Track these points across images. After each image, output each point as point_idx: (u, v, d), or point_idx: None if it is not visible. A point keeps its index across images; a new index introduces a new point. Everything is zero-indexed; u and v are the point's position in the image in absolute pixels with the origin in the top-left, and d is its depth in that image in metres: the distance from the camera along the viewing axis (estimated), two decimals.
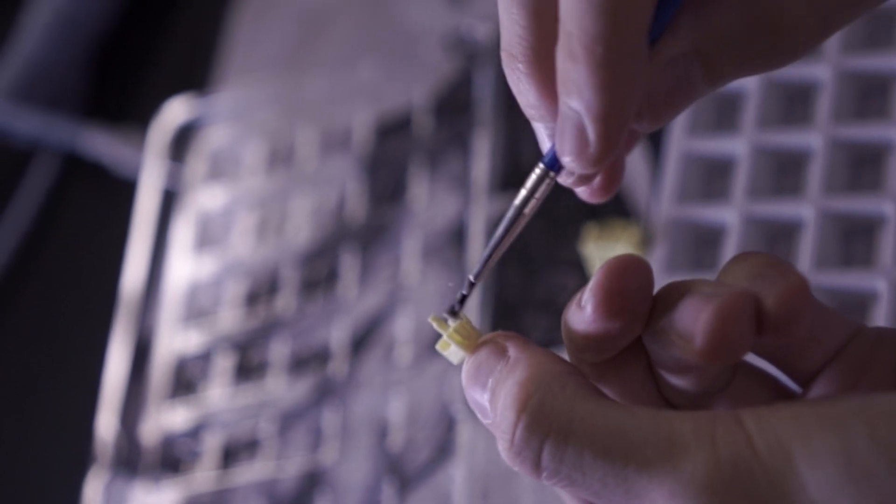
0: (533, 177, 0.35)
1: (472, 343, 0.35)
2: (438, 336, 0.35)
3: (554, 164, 0.34)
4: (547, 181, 0.35)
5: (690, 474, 0.30)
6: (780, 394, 0.36)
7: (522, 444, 0.32)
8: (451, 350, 0.35)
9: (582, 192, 0.37)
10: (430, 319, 0.36)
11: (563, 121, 0.32)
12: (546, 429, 0.32)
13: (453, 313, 0.36)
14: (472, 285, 0.36)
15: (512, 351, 0.34)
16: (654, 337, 0.34)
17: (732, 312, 0.32)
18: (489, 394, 0.34)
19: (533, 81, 0.34)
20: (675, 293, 0.33)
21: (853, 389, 0.34)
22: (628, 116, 0.32)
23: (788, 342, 0.34)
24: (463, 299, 0.36)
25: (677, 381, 0.35)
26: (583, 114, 0.32)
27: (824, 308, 0.35)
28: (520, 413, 0.32)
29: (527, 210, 0.35)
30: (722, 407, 0.36)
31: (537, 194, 0.35)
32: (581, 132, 0.32)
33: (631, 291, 0.33)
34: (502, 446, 0.32)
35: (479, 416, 0.34)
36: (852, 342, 0.35)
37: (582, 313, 0.33)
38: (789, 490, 0.30)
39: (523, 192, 0.35)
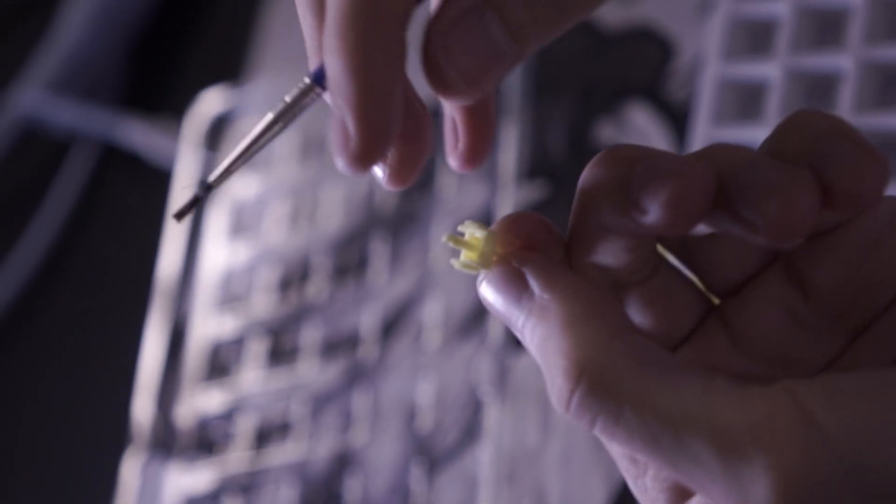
0: (296, 90, 0.33)
1: (489, 259, 0.33)
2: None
3: (320, 80, 0.33)
4: (311, 96, 0.33)
5: (750, 483, 0.28)
6: (699, 296, 0.34)
7: (576, 415, 0.30)
8: (467, 265, 0.34)
9: (380, 178, 0.34)
10: (444, 239, 0.34)
11: (332, 119, 0.31)
12: (597, 409, 0.30)
13: (180, 214, 0.34)
14: (208, 188, 0.34)
15: (537, 288, 0.32)
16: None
17: (797, 195, 0.30)
18: (528, 335, 0.32)
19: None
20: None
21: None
22: (389, 105, 0.30)
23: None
24: (196, 201, 0.34)
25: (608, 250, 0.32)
26: (342, 107, 0.30)
27: None
28: (572, 388, 0.30)
29: (282, 122, 0.34)
30: (710, 252, 0.33)
31: (295, 108, 0.33)
32: (343, 127, 0.31)
33: (699, 214, 0.31)
34: (556, 404, 0.31)
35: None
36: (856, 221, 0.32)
37: (637, 213, 0.31)
38: (876, 487, 0.27)
39: (283, 104, 0.33)
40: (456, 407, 0.59)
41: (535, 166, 0.63)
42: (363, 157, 0.31)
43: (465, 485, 0.57)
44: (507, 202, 0.63)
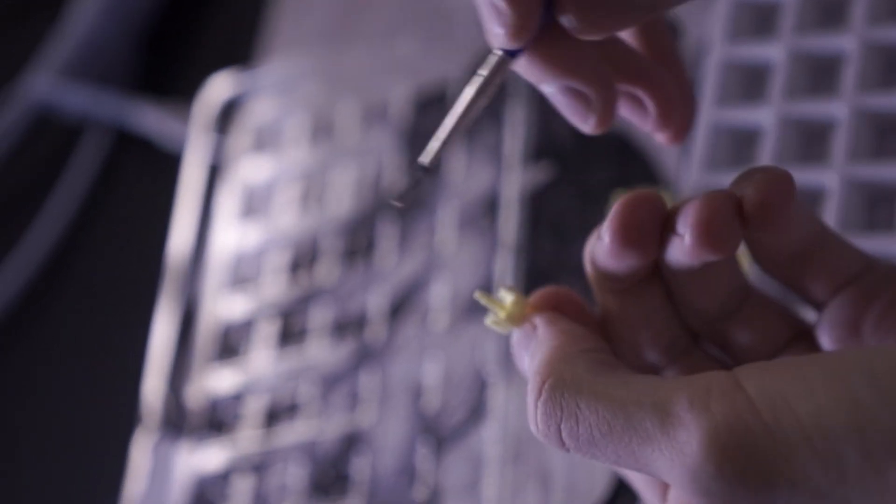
0: (490, 63, 0.36)
1: (515, 319, 0.38)
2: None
3: (513, 50, 0.36)
4: (502, 66, 0.36)
5: (685, 443, 0.31)
6: (791, 323, 0.38)
7: (544, 428, 0.34)
8: (496, 322, 0.38)
9: (580, 119, 0.39)
10: (476, 296, 0.38)
11: (482, 5, 0.35)
12: (558, 412, 0.34)
13: (402, 198, 0.37)
14: (425, 170, 0.36)
15: (539, 330, 0.37)
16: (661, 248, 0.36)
17: (713, 203, 0.34)
18: (528, 370, 0.37)
19: None
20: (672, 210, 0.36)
21: (861, 319, 0.36)
22: None
23: (774, 237, 0.36)
24: (416, 184, 0.36)
25: (689, 295, 0.37)
26: None
27: (838, 238, 0.37)
28: (535, 400, 0.34)
29: (482, 96, 0.37)
30: (739, 333, 0.38)
31: (495, 79, 0.37)
32: (493, 5, 0.35)
33: (644, 220, 0.36)
34: (531, 427, 0.35)
35: None
36: (867, 273, 0.36)
37: (601, 244, 0.36)
38: (794, 447, 0.30)
39: (480, 77, 0.37)
40: (462, 387, 0.60)
41: (541, 148, 0.63)
42: (518, 32, 0.34)
43: (470, 464, 0.58)
44: (513, 184, 0.63)
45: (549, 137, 0.63)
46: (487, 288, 0.61)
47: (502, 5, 0.35)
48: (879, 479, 0.30)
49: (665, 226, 0.36)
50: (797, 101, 0.55)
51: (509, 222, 0.62)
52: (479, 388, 0.59)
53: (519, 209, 0.62)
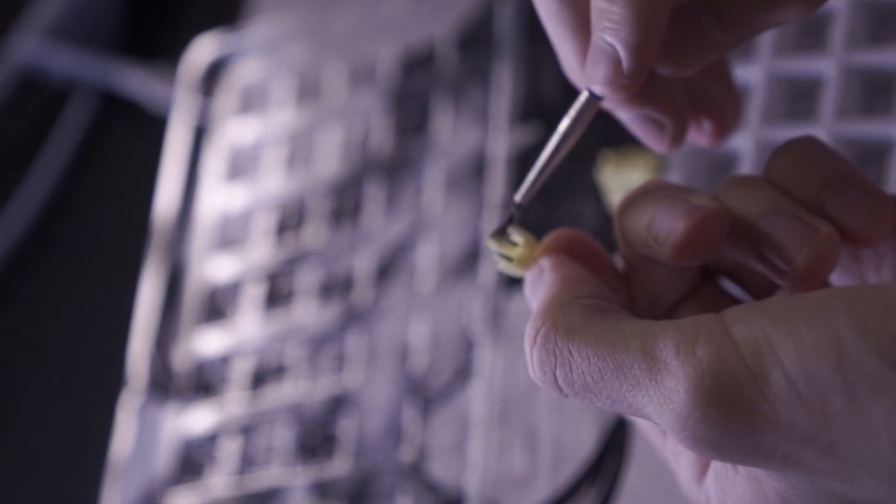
0: (578, 104, 0.38)
1: (525, 262, 0.38)
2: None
3: (595, 95, 0.37)
4: (590, 108, 0.38)
5: (672, 388, 0.31)
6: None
7: (540, 374, 0.35)
8: (507, 266, 0.39)
9: (654, 142, 0.40)
10: (487, 241, 0.39)
11: (597, 53, 0.36)
12: (553, 360, 0.34)
13: (500, 233, 0.38)
14: (518, 208, 0.38)
15: (544, 274, 0.37)
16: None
17: (702, 227, 0.35)
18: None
19: (565, 20, 0.38)
20: (662, 193, 0.36)
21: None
22: (655, 52, 0.35)
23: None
24: (510, 221, 0.38)
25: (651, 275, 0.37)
26: (619, 48, 0.35)
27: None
28: (531, 348, 0.35)
29: (572, 135, 0.38)
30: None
31: (582, 120, 0.38)
32: (616, 64, 0.35)
33: (710, 241, 0.35)
34: (530, 373, 0.35)
35: None
36: None
37: (656, 246, 0.36)
38: (777, 390, 0.30)
39: (568, 119, 0.38)
40: (449, 348, 0.60)
41: (528, 108, 0.63)
42: (628, 90, 0.36)
43: (457, 425, 0.58)
44: (500, 144, 0.63)
45: (537, 97, 0.63)
46: (475, 249, 0.61)
47: (627, 64, 0.35)
48: (864, 425, 0.30)
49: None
50: (785, 58, 0.55)
51: (496, 183, 0.62)
52: (466, 349, 0.59)
53: (506, 169, 0.62)
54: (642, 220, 0.36)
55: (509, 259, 0.39)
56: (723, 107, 0.41)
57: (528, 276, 0.38)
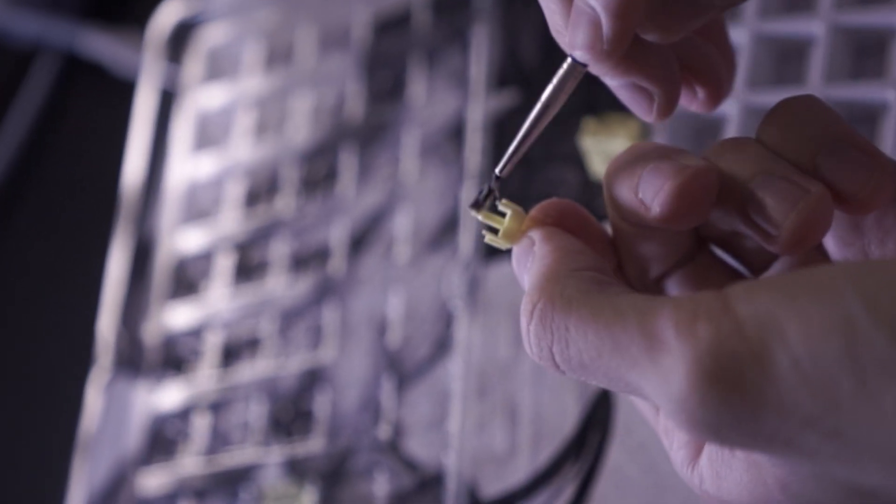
0: (561, 71, 0.36)
1: (513, 234, 0.37)
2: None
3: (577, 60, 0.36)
4: (574, 75, 0.36)
5: (671, 369, 0.30)
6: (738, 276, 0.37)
7: (537, 350, 0.34)
8: (494, 239, 0.37)
9: (643, 112, 0.38)
10: (473, 213, 0.37)
11: (578, 15, 0.34)
12: (549, 336, 0.33)
13: (479, 204, 0.37)
14: (497, 179, 0.37)
15: (536, 247, 0.36)
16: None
17: (691, 186, 0.33)
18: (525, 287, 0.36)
19: None
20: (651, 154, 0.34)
21: (862, 216, 0.34)
22: (638, 16, 0.34)
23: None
24: (489, 193, 0.37)
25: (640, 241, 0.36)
26: (599, 10, 0.33)
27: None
28: (527, 323, 0.34)
29: (555, 103, 0.36)
30: (748, 238, 0.36)
31: (565, 88, 0.36)
32: (596, 27, 0.34)
33: (700, 200, 0.34)
34: (526, 349, 0.34)
35: None
36: None
37: (643, 209, 0.34)
38: (782, 373, 0.29)
39: (551, 87, 0.36)
40: (427, 321, 0.58)
41: (506, 74, 0.61)
42: (609, 56, 0.34)
43: (436, 399, 0.56)
44: (478, 110, 0.61)
45: (516, 62, 0.61)
46: (453, 218, 0.59)
47: (608, 27, 0.34)
48: (874, 408, 0.28)
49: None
50: (772, 19, 0.53)
51: (475, 150, 0.60)
52: (445, 322, 0.58)
53: (484, 136, 0.60)
54: (631, 182, 0.35)
55: (495, 231, 0.37)
56: (717, 71, 0.39)
57: (516, 249, 0.37)
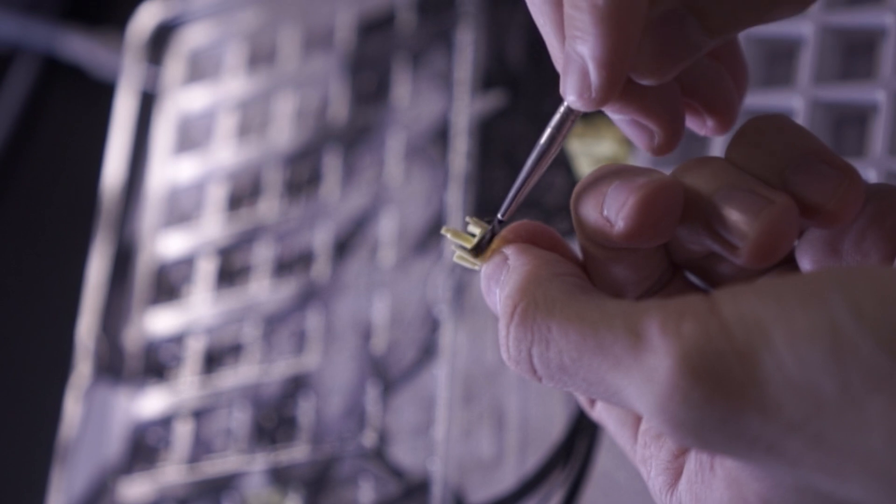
0: (557, 115, 0.36)
1: (484, 253, 0.37)
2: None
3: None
4: (571, 117, 0.36)
5: (654, 368, 0.30)
6: None
7: (515, 353, 0.33)
8: (463, 257, 0.37)
9: (644, 146, 0.38)
10: (443, 231, 0.37)
11: (567, 63, 0.34)
12: (530, 337, 0.33)
13: (479, 249, 0.37)
14: (501, 223, 0.37)
15: (511, 260, 0.36)
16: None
17: (656, 201, 0.33)
18: (497, 303, 0.35)
19: (551, 20, 0.36)
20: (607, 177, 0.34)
21: (840, 238, 0.34)
22: (627, 64, 0.34)
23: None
24: (493, 235, 0.37)
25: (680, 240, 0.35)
26: (587, 59, 0.33)
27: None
28: (508, 324, 0.33)
29: (553, 146, 0.36)
30: (722, 264, 0.36)
31: (563, 130, 0.36)
32: (585, 75, 0.34)
33: (665, 214, 0.34)
34: (503, 355, 0.34)
35: None
36: None
37: (608, 227, 0.34)
38: (766, 374, 0.29)
39: (549, 130, 0.36)
40: (412, 326, 0.58)
41: (492, 75, 0.60)
42: (599, 103, 0.34)
43: (421, 405, 0.56)
44: (464, 112, 0.60)
45: (502, 63, 0.60)
46: (438, 221, 0.59)
47: (595, 77, 0.34)
48: (858, 414, 0.28)
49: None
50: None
51: (460, 152, 0.60)
52: (430, 327, 0.57)
53: (470, 138, 0.60)
54: (596, 201, 0.34)
55: (465, 250, 0.37)
56: (726, 98, 0.39)
57: (488, 266, 0.36)
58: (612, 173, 0.34)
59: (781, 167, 0.33)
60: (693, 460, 0.34)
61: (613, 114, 0.37)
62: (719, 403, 0.29)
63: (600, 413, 0.39)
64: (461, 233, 0.37)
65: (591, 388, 0.32)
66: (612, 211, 0.34)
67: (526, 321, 0.33)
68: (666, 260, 0.37)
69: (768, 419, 0.29)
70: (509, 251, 0.36)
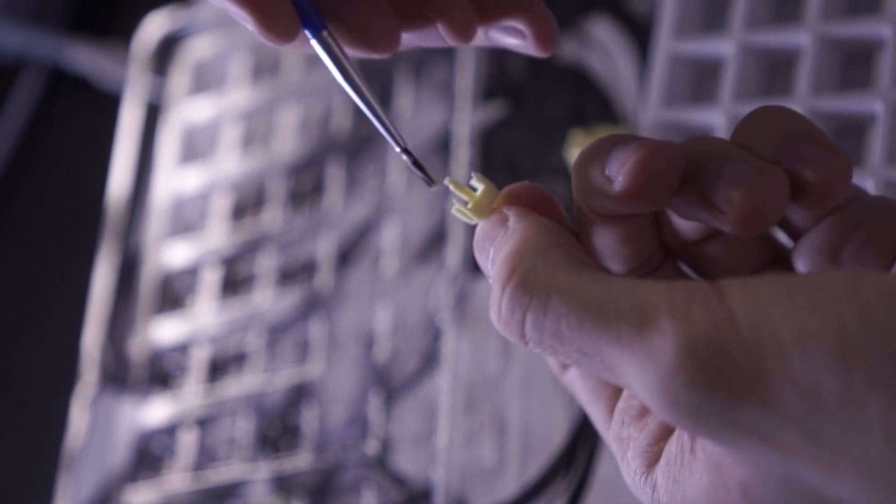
0: (321, 52, 0.38)
1: (483, 209, 0.36)
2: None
3: (317, 29, 0.37)
4: (331, 42, 0.38)
5: (659, 348, 0.30)
6: (768, 245, 0.37)
7: (507, 315, 0.33)
8: (462, 211, 0.37)
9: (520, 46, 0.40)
10: (447, 181, 0.37)
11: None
12: (527, 301, 0.32)
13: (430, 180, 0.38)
14: (406, 152, 0.38)
15: (511, 221, 0.35)
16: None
17: (658, 161, 0.33)
18: (490, 262, 0.35)
19: None
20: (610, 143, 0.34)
21: (841, 247, 0.34)
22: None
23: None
24: (416, 164, 0.38)
25: (673, 218, 0.35)
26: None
27: None
28: (504, 285, 0.33)
29: (345, 70, 0.39)
30: (714, 253, 0.36)
31: (335, 53, 0.38)
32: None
33: (666, 173, 0.33)
34: (492, 314, 0.34)
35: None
36: (852, 202, 0.35)
37: (610, 186, 0.34)
38: (770, 367, 0.29)
39: (332, 68, 0.39)
40: (414, 334, 0.58)
41: (493, 85, 0.61)
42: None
43: (424, 413, 0.56)
44: (465, 122, 0.61)
45: (502, 74, 0.61)
46: (441, 231, 0.59)
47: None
48: (858, 414, 0.28)
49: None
50: (759, 30, 0.53)
51: (461, 162, 0.60)
52: (432, 335, 0.57)
53: (471, 148, 0.60)
54: (599, 161, 0.34)
55: (465, 204, 0.37)
56: (537, 9, 0.39)
57: (485, 223, 0.36)
58: (615, 137, 0.35)
59: (777, 146, 0.34)
60: (675, 442, 0.34)
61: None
62: (721, 391, 0.29)
63: (572, 380, 0.39)
64: (463, 186, 0.37)
65: (584, 358, 0.32)
66: (613, 169, 0.34)
67: (525, 285, 0.33)
68: (657, 240, 0.37)
69: (767, 412, 0.29)
70: (510, 212, 0.36)
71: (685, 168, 0.34)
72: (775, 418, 0.29)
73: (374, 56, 0.38)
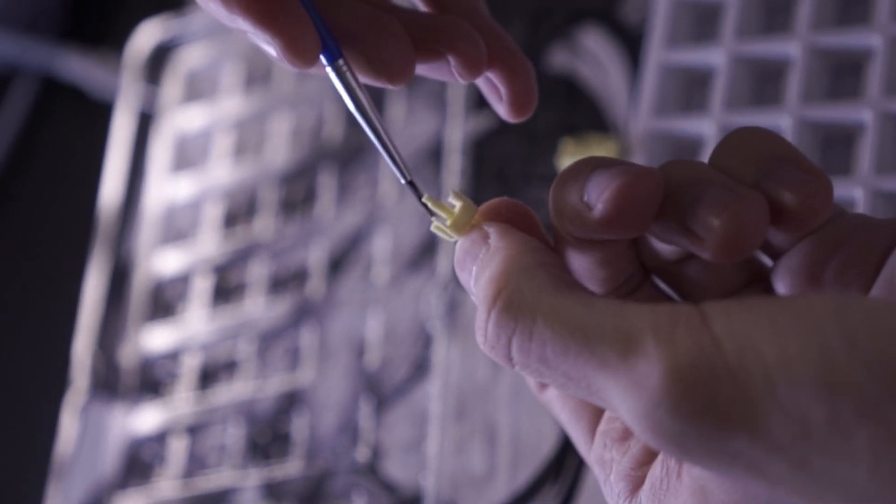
0: (336, 80, 0.38)
1: (462, 226, 0.36)
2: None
3: (333, 57, 0.38)
4: (346, 71, 0.38)
5: (644, 374, 0.29)
6: (746, 265, 0.36)
7: (493, 339, 0.32)
8: (441, 229, 0.36)
9: (502, 110, 0.40)
10: (424, 199, 0.37)
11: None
12: (512, 325, 0.32)
13: (427, 206, 0.37)
14: (411, 185, 0.38)
15: (493, 239, 0.35)
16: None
17: (635, 190, 0.33)
18: (473, 281, 0.35)
19: None
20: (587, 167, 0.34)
21: (822, 267, 0.34)
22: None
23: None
24: (414, 188, 0.38)
25: (650, 239, 0.35)
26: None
27: None
28: (490, 308, 0.32)
29: (360, 101, 0.38)
30: (693, 272, 0.36)
31: (351, 84, 0.38)
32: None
33: (645, 201, 0.33)
34: (478, 338, 0.33)
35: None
36: (832, 221, 0.34)
37: (587, 211, 0.33)
38: (757, 395, 0.28)
39: (347, 98, 0.39)
40: (405, 342, 0.58)
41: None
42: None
43: (414, 422, 0.56)
44: (457, 131, 0.61)
45: None
46: (432, 240, 0.59)
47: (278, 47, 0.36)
48: (845, 443, 0.28)
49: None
50: (750, 40, 0.54)
51: (453, 171, 0.60)
52: (423, 343, 0.57)
53: (463, 157, 0.60)
54: (577, 186, 0.34)
55: (444, 221, 0.36)
56: (519, 74, 0.40)
57: (465, 241, 0.35)
58: (594, 161, 0.34)
59: (755, 168, 0.33)
60: (660, 466, 0.34)
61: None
62: (707, 418, 0.29)
63: (551, 400, 0.38)
64: (441, 203, 0.36)
65: (570, 382, 0.31)
66: (592, 195, 0.33)
67: (511, 308, 0.32)
68: (635, 262, 0.36)
69: (755, 440, 0.29)
70: (491, 229, 0.35)
71: (664, 193, 0.33)
72: (762, 447, 0.29)
73: (388, 86, 0.38)
